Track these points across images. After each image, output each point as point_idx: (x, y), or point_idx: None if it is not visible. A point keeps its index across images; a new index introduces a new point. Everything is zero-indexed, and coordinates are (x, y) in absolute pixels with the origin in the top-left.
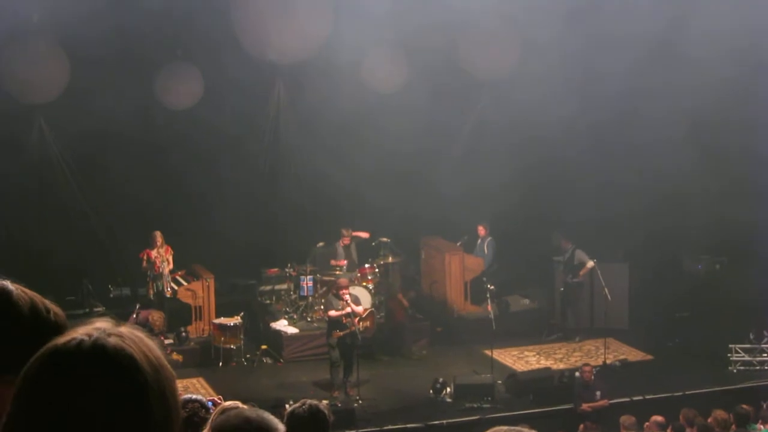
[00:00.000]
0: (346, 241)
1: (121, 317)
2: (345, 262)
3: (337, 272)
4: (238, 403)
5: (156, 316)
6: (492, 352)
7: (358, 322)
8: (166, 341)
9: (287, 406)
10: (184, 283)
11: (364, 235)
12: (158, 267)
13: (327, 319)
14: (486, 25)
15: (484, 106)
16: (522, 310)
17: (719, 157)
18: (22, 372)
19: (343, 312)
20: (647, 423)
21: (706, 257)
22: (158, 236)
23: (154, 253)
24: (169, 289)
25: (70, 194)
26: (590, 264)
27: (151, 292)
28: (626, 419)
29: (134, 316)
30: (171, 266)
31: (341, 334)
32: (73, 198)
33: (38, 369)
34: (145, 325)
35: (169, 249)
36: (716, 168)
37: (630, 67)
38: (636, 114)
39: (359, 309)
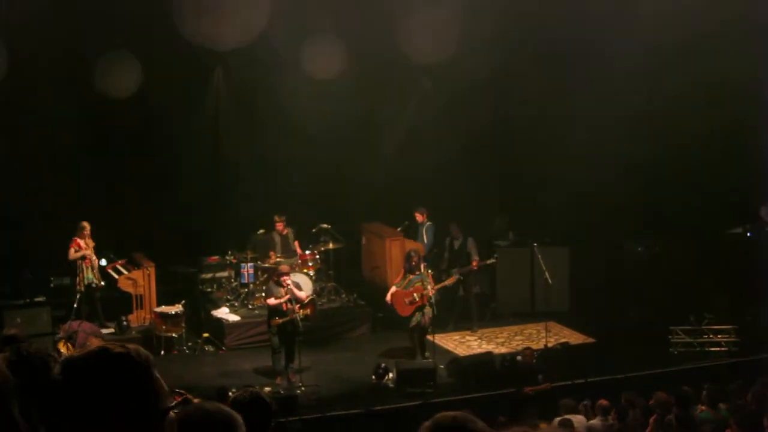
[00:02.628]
0: (279, 226)
1: (62, 307)
2: (273, 254)
3: (278, 258)
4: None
5: (95, 343)
6: (434, 336)
7: (299, 309)
8: (105, 331)
9: (230, 394)
10: (125, 272)
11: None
12: (88, 257)
13: (267, 306)
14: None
15: (423, 89)
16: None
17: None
18: None
19: (283, 299)
20: (584, 404)
21: (646, 239)
22: (86, 226)
23: (82, 242)
24: (99, 280)
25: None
26: (475, 261)
27: (81, 284)
28: (567, 402)
29: (78, 322)
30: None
31: (281, 321)
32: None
33: None
34: (72, 338)
35: (92, 241)
36: (659, 147)
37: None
38: (571, 94)
39: (302, 294)
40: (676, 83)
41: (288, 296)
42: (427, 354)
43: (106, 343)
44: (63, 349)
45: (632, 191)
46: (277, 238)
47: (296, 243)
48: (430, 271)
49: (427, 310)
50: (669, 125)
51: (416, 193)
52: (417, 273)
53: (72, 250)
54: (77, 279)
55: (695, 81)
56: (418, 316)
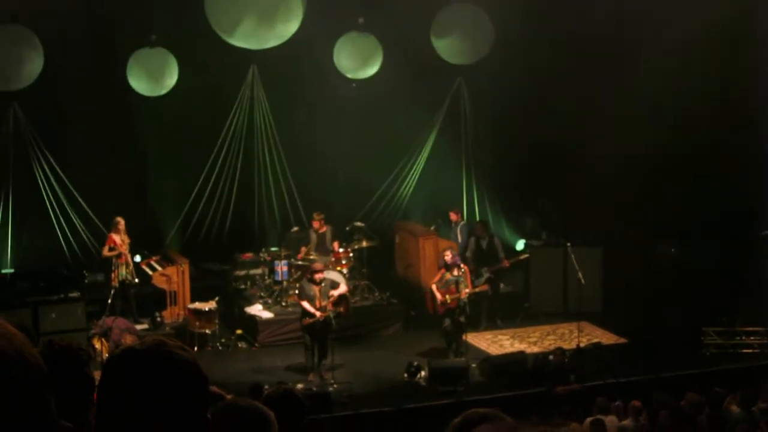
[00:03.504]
0: (315, 225)
1: (96, 303)
2: (305, 250)
3: (311, 256)
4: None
5: (129, 340)
6: (466, 335)
7: (333, 306)
8: (139, 326)
9: (264, 390)
10: (159, 269)
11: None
12: (124, 254)
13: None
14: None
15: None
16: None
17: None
18: None
19: (316, 300)
20: (615, 404)
21: (678, 240)
22: (120, 221)
23: (117, 239)
24: (132, 276)
25: (44, 177)
26: (506, 260)
27: (116, 280)
28: (600, 402)
29: (112, 318)
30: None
31: (311, 321)
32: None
33: None
34: (106, 334)
35: (128, 237)
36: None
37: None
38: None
39: (341, 290)
40: (709, 81)
41: (320, 295)
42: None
43: (165, 339)
44: (97, 345)
45: (665, 192)
46: (313, 236)
47: (335, 243)
48: (467, 271)
49: (460, 316)
50: (702, 124)
51: (448, 193)
52: (455, 273)
53: (107, 248)
54: (112, 275)
55: (729, 77)
56: (447, 321)
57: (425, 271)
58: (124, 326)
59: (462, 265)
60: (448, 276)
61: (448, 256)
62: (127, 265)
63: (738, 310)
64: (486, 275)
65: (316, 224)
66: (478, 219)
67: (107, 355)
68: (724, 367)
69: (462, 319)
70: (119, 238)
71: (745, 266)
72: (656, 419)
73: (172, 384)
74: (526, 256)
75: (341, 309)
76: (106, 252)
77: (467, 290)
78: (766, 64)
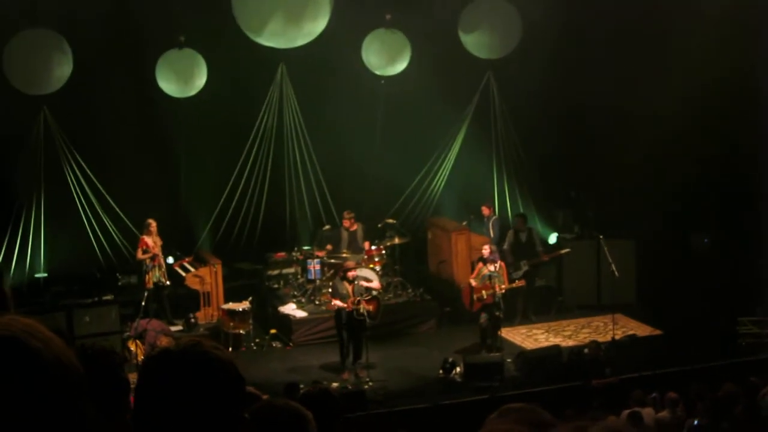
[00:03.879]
0: (346, 223)
1: (130, 305)
2: (330, 248)
3: (344, 255)
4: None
5: (164, 342)
6: (501, 330)
7: (365, 303)
8: (174, 328)
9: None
10: (192, 270)
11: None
12: (158, 256)
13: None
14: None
15: (486, 85)
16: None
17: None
18: None
19: (349, 299)
20: (652, 396)
21: (712, 231)
22: (152, 223)
23: (150, 241)
24: (165, 278)
25: (75, 181)
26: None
27: (150, 282)
28: (636, 394)
29: (147, 320)
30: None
31: (340, 306)
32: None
33: None
34: (141, 336)
35: (160, 239)
36: (721, 142)
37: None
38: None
39: (374, 285)
40: (744, 75)
41: (354, 294)
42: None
43: (201, 340)
44: (132, 348)
45: (699, 183)
46: (344, 234)
47: (366, 243)
48: (504, 267)
49: (496, 311)
50: (736, 119)
51: (479, 188)
52: (491, 268)
53: (140, 251)
54: (146, 277)
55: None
56: (484, 316)
57: (458, 267)
58: (159, 328)
59: (499, 262)
60: (485, 271)
61: (486, 251)
62: (160, 267)
63: None
64: (524, 268)
65: (346, 223)
66: (510, 213)
67: (143, 357)
68: (760, 357)
69: (498, 314)
70: (151, 240)
71: None
72: (693, 410)
73: (209, 384)
74: (568, 251)
75: (371, 307)
76: (140, 255)
77: (504, 286)
78: None
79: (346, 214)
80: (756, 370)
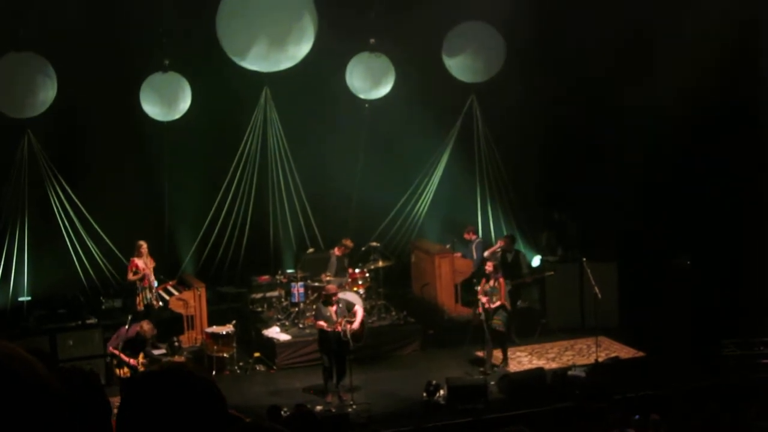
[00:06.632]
0: (339, 251)
1: (113, 329)
2: (329, 275)
3: (327, 278)
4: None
5: (146, 327)
6: (484, 353)
7: (348, 325)
8: (157, 351)
9: (282, 413)
10: (175, 293)
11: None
12: (147, 278)
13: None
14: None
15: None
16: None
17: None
18: None
19: (333, 319)
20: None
21: (693, 253)
22: (143, 244)
23: (140, 263)
24: (156, 300)
25: (59, 204)
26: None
27: (141, 304)
28: (620, 416)
29: (126, 328)
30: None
31: (324, 328)
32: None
33: None
34: (137, 338)
35: (152, 260)
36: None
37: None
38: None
39: (359, 316)
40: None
41: (336, 316)
42: (481, 369)
43: (180, 362)
44: (118, 372)
45: (679, 206)
46: (333, 258)
47: (349, 269)
48: (502, 284)
49: (496, 321)
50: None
51: (463, 211)
52: (491, 284)
53: (131, 273)
54: (137, 299)
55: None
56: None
57: (441, 290)
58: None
59: (500, 279)
60: (486, 287)
61: (489, 267)
62: (151, 289)
63: (754, 320)
64: (507, 287)
65: (342, 250)
66: (494, 235)
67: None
68: (744, 378)
69: (498, 327)
70: (142, 262)
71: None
72: None
73: (191, 405)
74: (551, 273)
75: (355, 327)
76: (130, 276)
77: (499, 302)
78: None
79: (348, 242)
80: (740, 392)
